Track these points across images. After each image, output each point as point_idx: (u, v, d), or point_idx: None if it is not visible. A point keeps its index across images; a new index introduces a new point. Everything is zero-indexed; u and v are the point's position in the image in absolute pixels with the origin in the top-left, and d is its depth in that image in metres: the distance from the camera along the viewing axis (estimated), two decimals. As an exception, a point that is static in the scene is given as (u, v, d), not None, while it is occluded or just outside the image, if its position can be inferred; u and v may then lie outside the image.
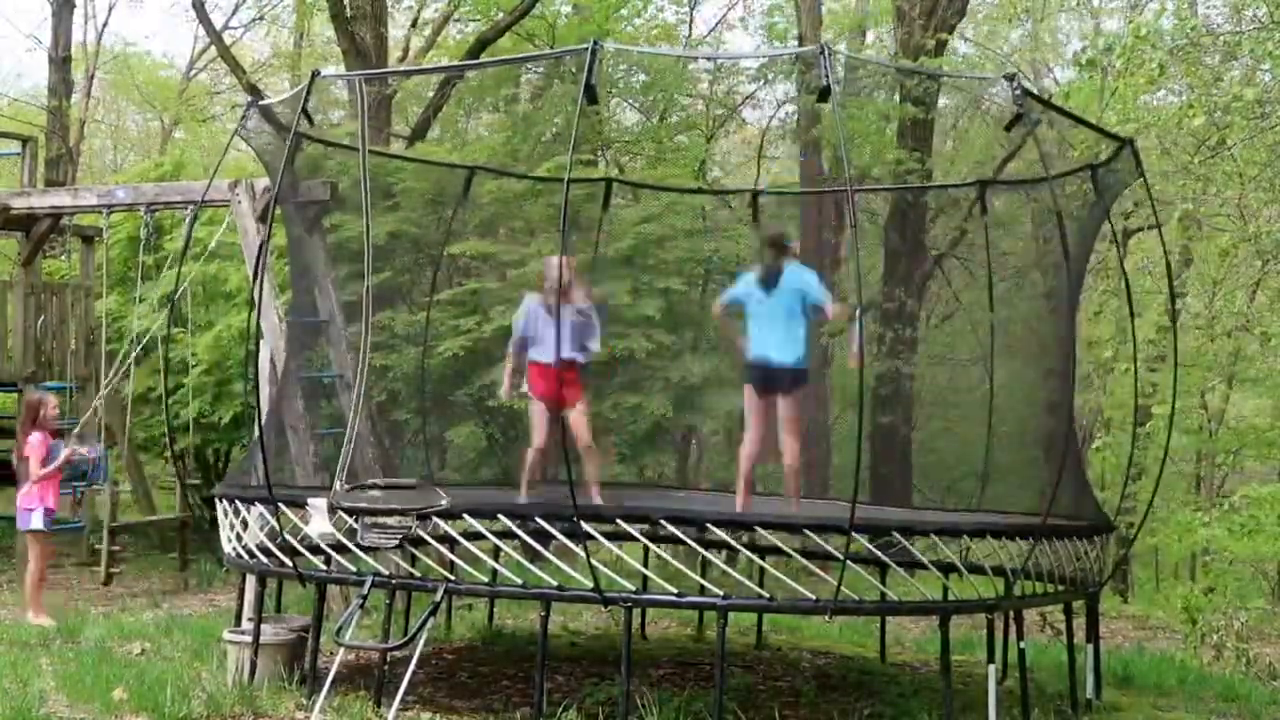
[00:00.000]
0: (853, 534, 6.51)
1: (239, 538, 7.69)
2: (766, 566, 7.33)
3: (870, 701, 7.84)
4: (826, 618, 8.44)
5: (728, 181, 22.40)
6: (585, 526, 6.57)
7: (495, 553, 7.13)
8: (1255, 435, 16.65)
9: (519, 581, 7.04)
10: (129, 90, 30.07)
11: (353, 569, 7.22)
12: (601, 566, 6.65)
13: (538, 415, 8.54)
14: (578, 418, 8.42)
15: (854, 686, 8.46)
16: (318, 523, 7.06)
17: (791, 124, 20.65)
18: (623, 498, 8.79)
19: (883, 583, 7.43)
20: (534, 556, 7.12)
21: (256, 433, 8.59)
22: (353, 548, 7.07)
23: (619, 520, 6.87)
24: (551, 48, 17.69)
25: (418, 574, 7.42)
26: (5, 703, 6.67)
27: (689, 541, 6.90)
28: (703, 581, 7.03)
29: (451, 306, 13.60)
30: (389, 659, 7.24)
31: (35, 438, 10.04)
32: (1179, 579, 19.57)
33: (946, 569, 7.24)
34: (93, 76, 26.72)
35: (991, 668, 7.03)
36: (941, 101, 19.75)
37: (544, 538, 6.96)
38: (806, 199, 17.12)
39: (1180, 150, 11.84)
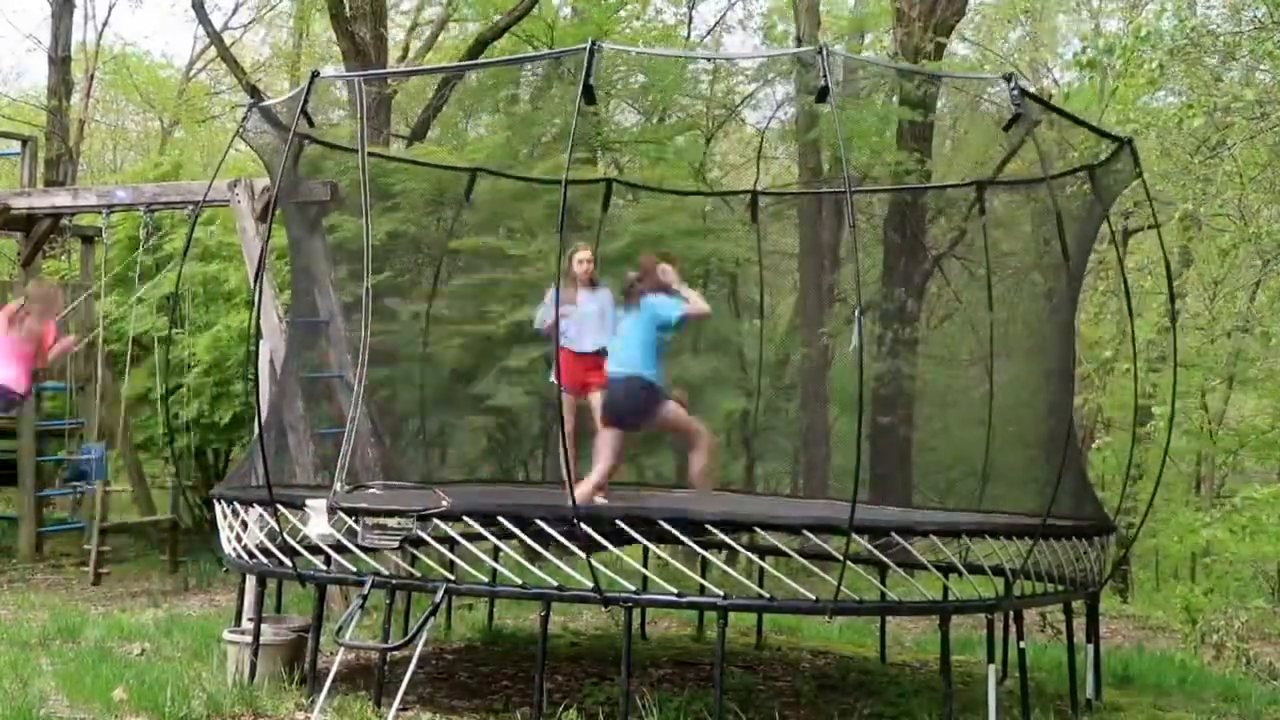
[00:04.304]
0: (852, 534, 6.51)
1: (238, 538, 7.69)
2: (766, 567, 7.33)
3: (870, 701, 7.85)
4: (826, 618, 8.44)
5: (727, 182, 22.39)
6: (585, 528, 6.57)
7: (495, 553, 7.13)
8: (1256, 436, 16.63)
9: (519, 581, 7.04)
10: (129, 90, 30.03)
11: (353, 569, 7.23)
12: (601, 566, 6.66)
13: (565, 403, 8.67)
14: (597, 401, 8.69)
15: (854, 686, 8.46)
16: (316, 523, 7.06)
17: (791, 125, 20.63)
18: (624, 498, 8.79)
19: (883, 583, 7.44)
20: (534, 557, 7.12)
21: (256, 432, 8.60)
22: (353, 548, 7.07)
23: (619, 521, 6.87)
24: (550, 48, 17.69)
25: (418, 574, 7.42)
26: (5, 703, 6.67)
27: (689, 542, 6.90)
28: (703, 581, 7.03)
29: (452, 305, 13.60)
30: (389, 659, 7.24)
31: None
32: (1179, 579, 19.55)
33: (946, 569, 7.24)
34: (93, 76, 26.68)
35: (991, 668, 7.03)
36: (941, 102, 19.74)
37: (544, 538, 6.96)
38: (805, 199, 17.13)
39: (1180, 151, 11.84)
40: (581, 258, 9.10)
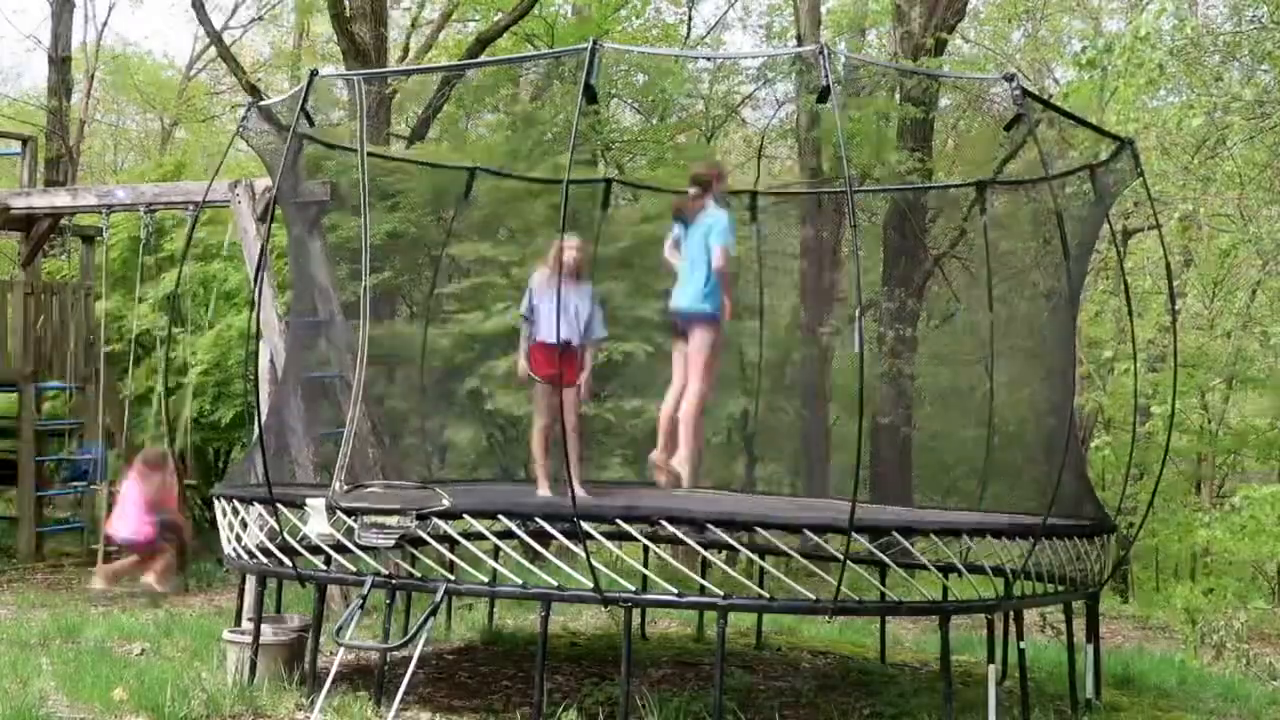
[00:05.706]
0: (853, 534, 6.51)
1: (238, 538, 7.69)
2: (766, 566, 7.33)
3: (870, 701, 7.84)
4: (826, 618, 8.44)
5: (727, 181, 22.36)
6: (585, 526, 6.57)
7: (495, 553, 7.13)
8: (1256, 436, 16.65)
9: (519, 581, 7.03)
10: (129, 90, 30.05)
11: (353, 569, 7.22)
12: (601, 566, 6.65)
13: (540, 395, 8.62)
14: (570, 396, 8.38)
15: (854, 686, 8.46)
16: (316, 523, 7.05)
17: (791, 123, 20.64)
18: (623, 496, 8.77)
19: (883, 583, 7.43)
20: (534, 556, 7.12)
21: (256, 432, 8.59)
22: (352, 548, 7.07)
23: (619, 520, 6.86)
24: (551, 48, 17.69)
25: (418, 574, 7.41)
26: (5, 703, 6.67)
27: (689, 541, 6.89)
28: (703, 581, 7.02)
29: (453, 302, 13.60)
30: (389, 659, 7.24)
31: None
32: (1179, 579, 19.55)
33: (946, 569, 7.24)
34: (93, 76, 26.68)
35: (991, 668, 7.03)
36: (942, 101, 19.74)
37: (544, 538, 6.96)
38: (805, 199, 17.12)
39: (1180, 151, 11.85)
40: (570, 244, 8.46)
